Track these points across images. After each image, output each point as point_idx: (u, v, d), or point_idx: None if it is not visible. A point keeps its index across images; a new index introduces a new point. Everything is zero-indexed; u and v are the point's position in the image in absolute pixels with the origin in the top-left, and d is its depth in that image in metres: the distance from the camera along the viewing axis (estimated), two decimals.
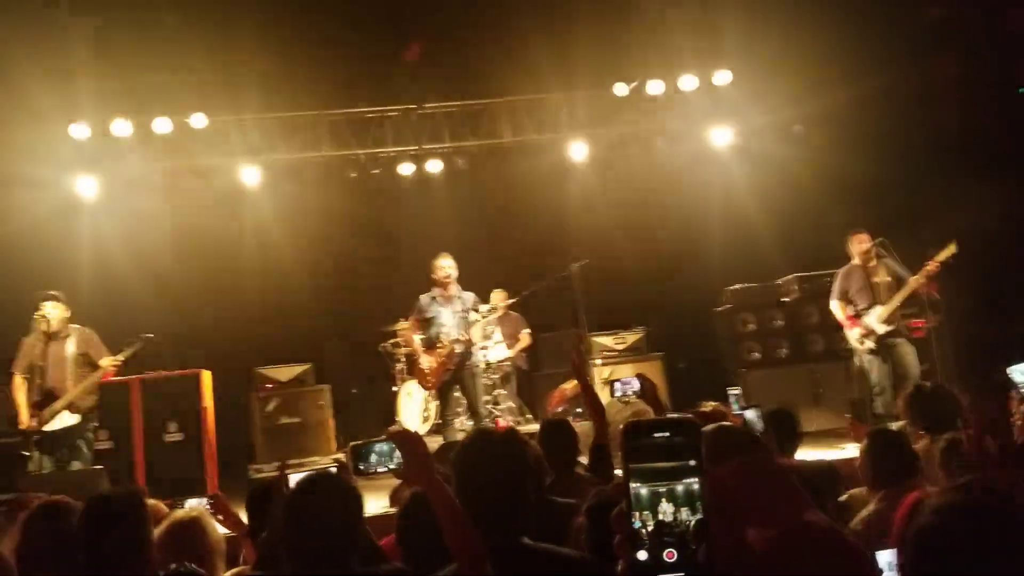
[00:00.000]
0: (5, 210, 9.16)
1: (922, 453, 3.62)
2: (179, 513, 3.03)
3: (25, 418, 6.95)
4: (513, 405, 9.25)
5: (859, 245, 8.05)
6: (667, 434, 0.96)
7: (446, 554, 2.46)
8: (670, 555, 0.93)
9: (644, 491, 0.94)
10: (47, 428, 7.00)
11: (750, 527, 1.04)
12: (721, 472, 1.14)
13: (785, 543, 1.14)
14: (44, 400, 7.00)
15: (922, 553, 1.23)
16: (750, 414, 3.59)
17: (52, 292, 7.34)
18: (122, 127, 9.79)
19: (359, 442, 2.65)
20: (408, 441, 2.41)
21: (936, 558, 1.21)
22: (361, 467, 2.61)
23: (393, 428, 2.57)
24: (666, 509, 0.93)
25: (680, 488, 0.94)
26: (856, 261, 8.10)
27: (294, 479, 2.95)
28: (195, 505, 3.76)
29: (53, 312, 7.19)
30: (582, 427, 8.61)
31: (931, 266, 7.63)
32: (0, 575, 1.96)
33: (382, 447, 2.58)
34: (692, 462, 0.95)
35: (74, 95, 9.38)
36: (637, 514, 0.94)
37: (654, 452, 0.95)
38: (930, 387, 4.53)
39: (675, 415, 1.02)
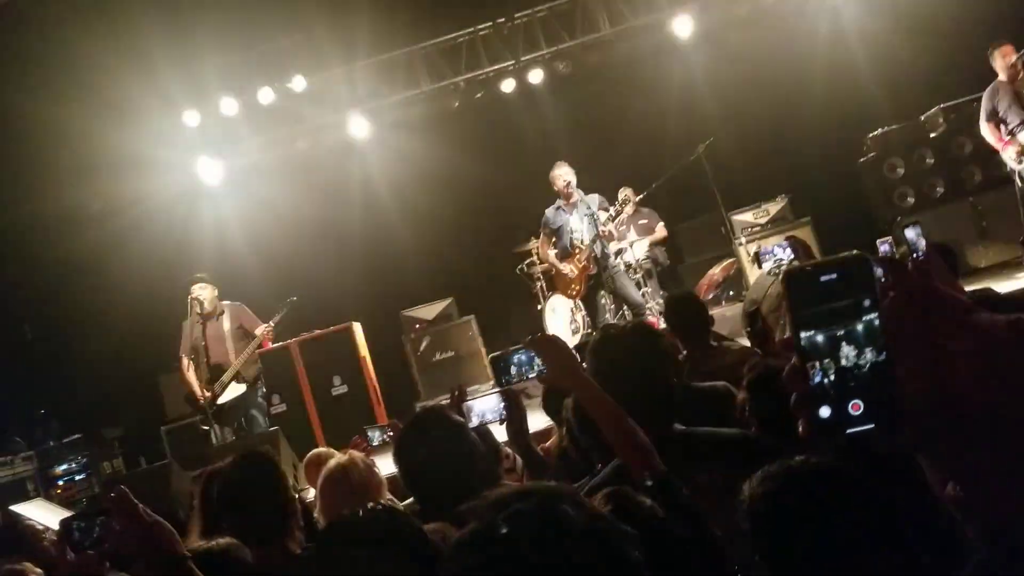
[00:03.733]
0: (143, 194, 9.62)
1: None
2: (331, 463, 3.06)
3: (200, 395, 7.32)
4: (661, 301, 9.02)
5: (1004, 59, 7.35)
6: (834, 276, 0.82)
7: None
8: (856, 407, 0.80)
9: (820, 337, 0.81)
10: (221, 401, 7.37)
11: None
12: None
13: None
14: (212, 376, 7.35)
15: None
16: (911, 232, 3.22)
17: (199, 275, 7.65)
18: (229, 105, 10.00)
19: (497, 354, 2.57)
20: (549, 346, 2.35)
21: None
22: (504, 380, 2.54)
23: (530, 337, 2.45)
24: (848, 352, 0.80)
25: (860, 327, 0.80)
26: (1002, 77, 7.42)
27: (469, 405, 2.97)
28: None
29: (203, 293, 7.50)
30: (734, 310, 8.40)
31: None
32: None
33: (520, 357, 2.50)
34: (867, 301, 0.81)
35: (189, 77, 9.67)
36: (816, 365, 0.81)
37: (823, 295, 0.82)
38: None
39: (842, 253, 0.83)
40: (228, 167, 10.26)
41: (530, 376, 2.57)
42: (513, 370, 2.57)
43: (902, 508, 1.32)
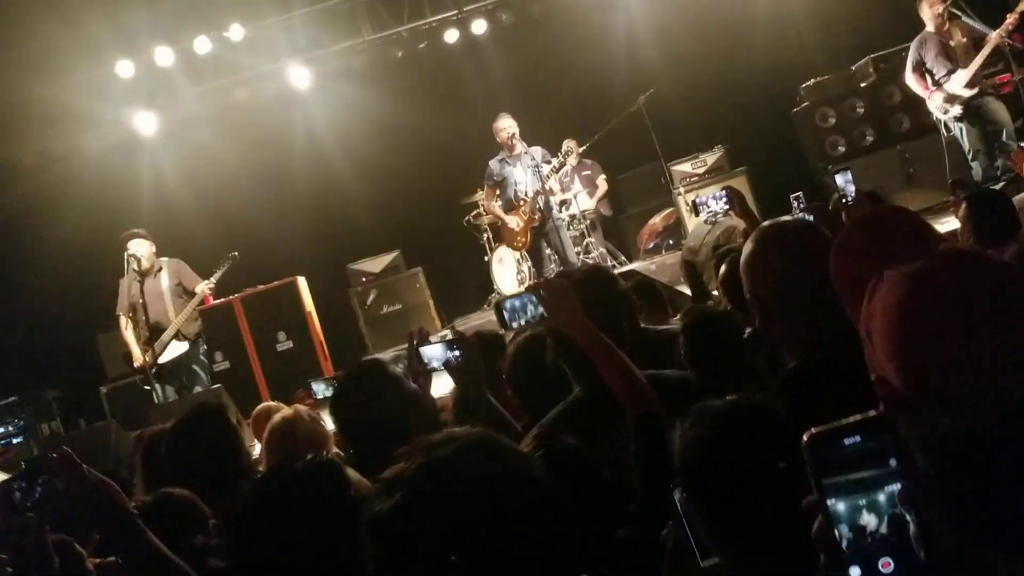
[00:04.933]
0: (76, 148, 9.33)
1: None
2: (275, 417, 3.06)
3: (138, 355, 7.23)
4: (604, 251, 9.11)
5: (931, 9, 7.52)
6: (857, 438, 0.83)
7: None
8: (886, 565, 0.83)
9: (842, 506, 0.83)
10: (161, 360, 7.28)
11: None
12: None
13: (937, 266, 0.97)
14: (152, 335, 7.23)
15: None
16: (840, 178, 3.29)
17: (135, 230, 7.48)
18: (165, 55, 9.68)
19: (499, 299, 2.53)
20: (550, 289, 2.33)
21: None
22: (505, 322, 2.47)
23: (533, 281, 2.44)
24: (869, 521, 0.83)
25: (882, 497, 0.83)
26: (930, 27, 7.60)
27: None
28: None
29: (140, 249, 7.33)
30: (674, 258, 8.52)
31: (1011, 18, 7.14)
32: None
33: (513, 303, 2.43)
34: (893, 462, 0.83)
35: (121, 27, 9.33)
36: (844, 529, 0.84)
37: (846, 462, 0.84)
38: None
39: (862, 415, 0.84)
40: (165, 119, 9.95)
41: (529, 320, 2.48)
42: (505, 315, 2.49)
43: None
